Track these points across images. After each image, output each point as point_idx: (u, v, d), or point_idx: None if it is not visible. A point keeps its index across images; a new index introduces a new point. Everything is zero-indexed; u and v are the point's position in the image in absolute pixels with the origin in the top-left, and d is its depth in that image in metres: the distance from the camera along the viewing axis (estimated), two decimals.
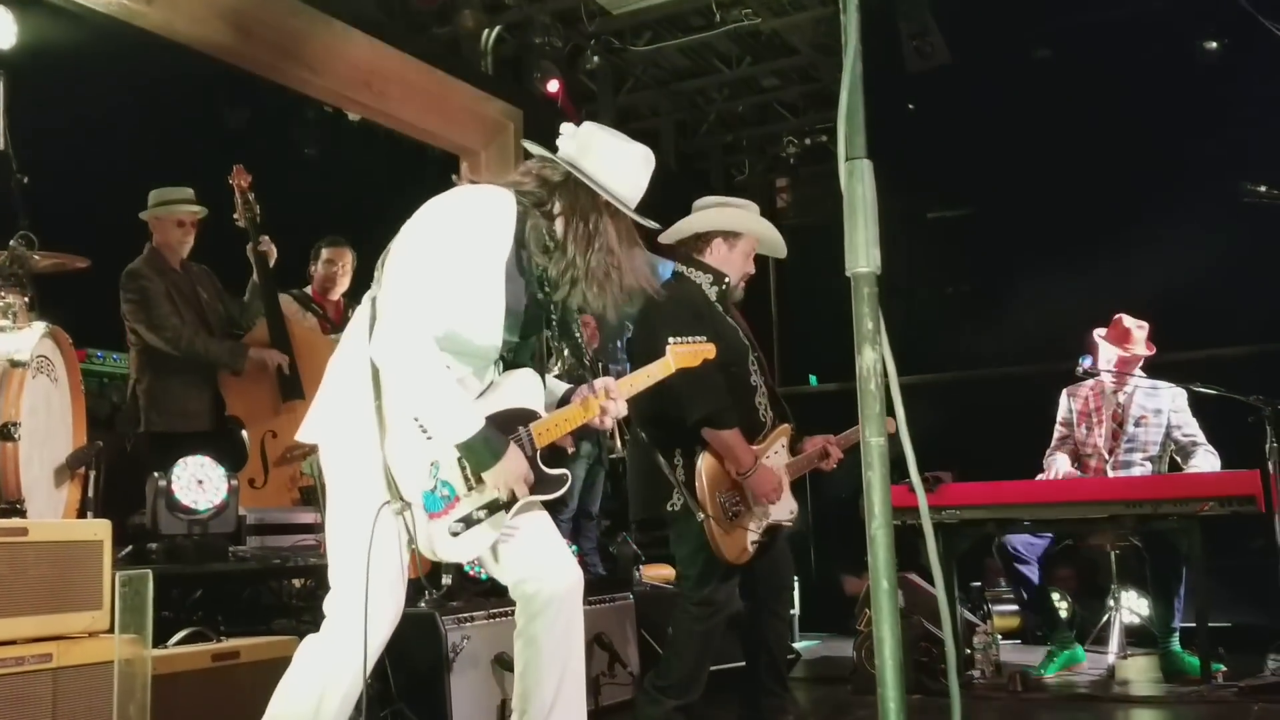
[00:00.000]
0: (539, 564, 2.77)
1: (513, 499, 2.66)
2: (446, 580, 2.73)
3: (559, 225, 2.70)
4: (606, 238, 2.71)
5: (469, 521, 2.63)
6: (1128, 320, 5.70)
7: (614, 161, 2.75)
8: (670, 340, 3.16)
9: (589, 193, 2.72)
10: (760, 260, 4.41)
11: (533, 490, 2.70)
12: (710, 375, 3.87)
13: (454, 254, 2.58)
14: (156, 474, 3.73)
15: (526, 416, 2.77)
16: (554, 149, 2.80)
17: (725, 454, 3.95)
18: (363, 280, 5.62)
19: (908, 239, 7.90)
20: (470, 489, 2.64)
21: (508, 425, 2.70)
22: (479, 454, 2.59)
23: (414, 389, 2.53)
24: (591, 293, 2.71)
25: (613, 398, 2.86)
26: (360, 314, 2.72)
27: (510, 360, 2.84)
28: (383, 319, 2.55)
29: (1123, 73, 7.32)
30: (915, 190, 7.65)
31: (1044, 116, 7.53)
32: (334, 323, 5.69)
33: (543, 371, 2.91)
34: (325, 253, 5.82)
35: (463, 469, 2.63)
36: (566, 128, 2.81)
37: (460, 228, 2.60)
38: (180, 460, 3.79)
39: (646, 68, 8.39)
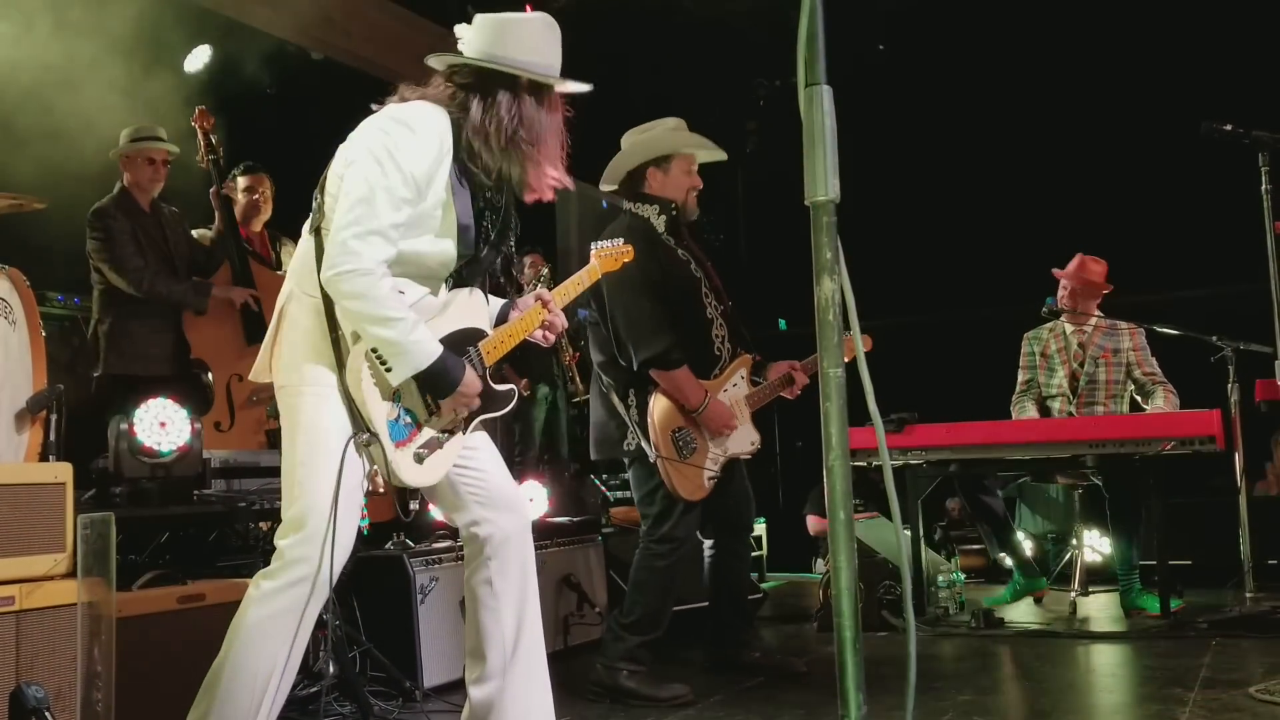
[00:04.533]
0: (491, 504, 2.79)
1: (470, 418, 2.73)
2: (414, 505, 2.74)
3: (480, 121, 2.66)
4: (533, 121, 2.69)
5: (432, 445, 2.66)
6: (1086, 257, 5.76)
7: (518, 39, 2.69)
8: (592, 247, 3.23)
9: (505, 79, 2.69)
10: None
11: (483, 408, 2.76)
12: (652, 316, 3.91)
13: (398, 174, 2.53)
14: (118, 416, 3.69)
15: (475, 335, 2.80)
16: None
17: (675, 393, 3.97)
18: (288, 210, 5.57)
19: (874, 180, 7.89)
20: (431, 414, 2.66)
21: (458, 346, 2.72)
22: (438, 383, 2.60)
23: (369, 321, 2.50)
24: (524, 180, 2.72)
25: (550, 309, 2.92)
26: (304, 246, 2.69)
27: (458, 277, 2.82)
28: (332, 249, 2.51)
29: (1085, 8, 7.29)
30: (882, 130, 7.62)
31: (1007, 56, 7.49)
32: (262, 257, 5.61)
33: (502, 289, 2.91)
34: (243, 181, 5.64)
35: (423, 395, 2.64)
36: (460, 29, 2.74)
37: (400, 147, 2.54)
38: (143, 403, 3.75)
39: (615, 7, 8.26)
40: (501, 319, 2.92)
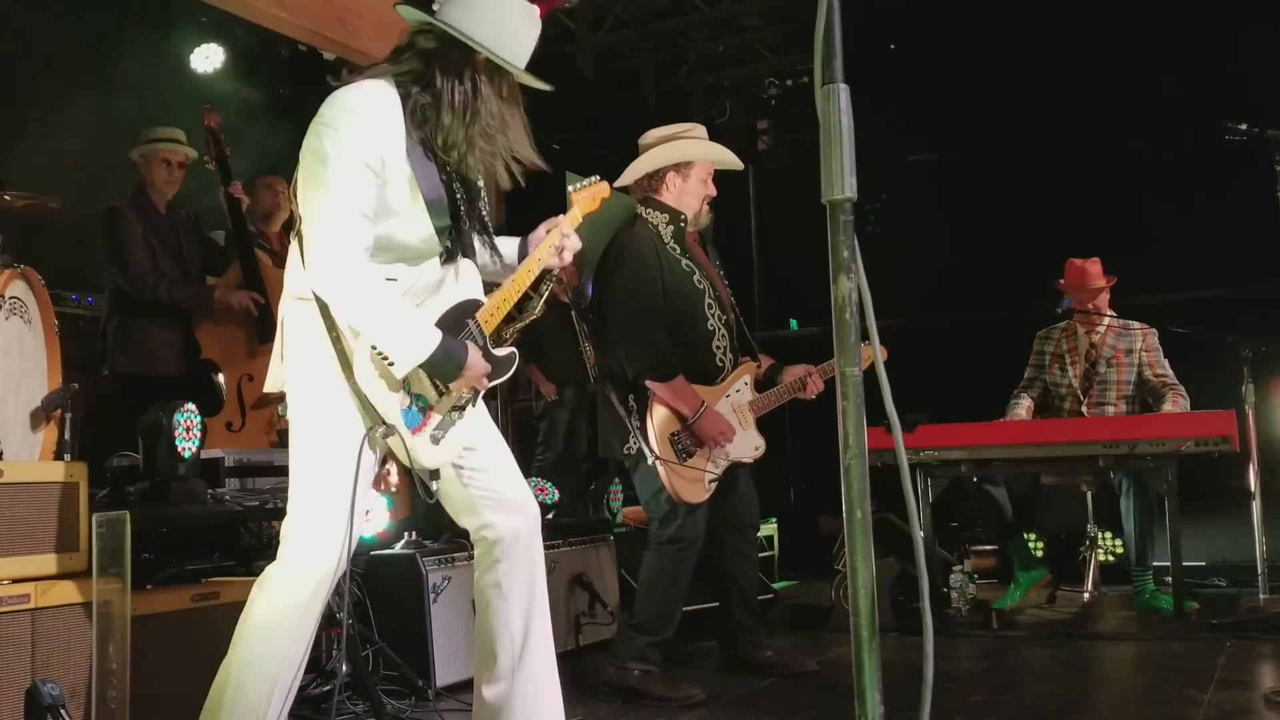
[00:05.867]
0: (500, 506, 2.78)
1: (476, 394, 2.72)
2: (436, 486, 2.72)
3: (436, 95, 2.59)
4: (483, 98, 2.61)
5: (446, 425, 2.67)
6: (1078, 261, 5.74)
7: (489, 16, 2.60)
8: (570, 188, 3.13)
9: (464, 51, 2.61)
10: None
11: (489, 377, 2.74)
12: (645, 329, 3.94)
13: (351, 161, 2.47)
14: (161, 412, 3.68)
15: (472, 307, 2.76)
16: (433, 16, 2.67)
17: (670, 401, 3.98)
18: None
19: (889, 181, 7.90)
20: (440, 395, 2.65)
21: (457, 322, 2.69)
22: (443, 367, 2.58)
23: (363, 320, 2.49)
24: (474, 157, 2.64)
25: (562, 230, 2.87)
26: (292, 252, 2.66)
27: (450, 252, 2.76)
28: (310, 250, 2.48)
29: (1100, 10, 7.27)
30: (896, 132, 7.61)
31: (1021, 58, 7.48)
32: (279, 255, 5.62)
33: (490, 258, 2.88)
34: (263, 179, 5.66)
35: (431, 380, 2.62)
36: None
37: (346, 133, 2.48)
38: (180, 406, 3.74)
39: (626, 6, 8.28)
40: (522, 254, 2.88)
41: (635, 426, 4.00)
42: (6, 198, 3.88)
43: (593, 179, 3.17)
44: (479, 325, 2.76)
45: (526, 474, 2.99)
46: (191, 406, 3.71)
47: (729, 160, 4.30)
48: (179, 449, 3.66)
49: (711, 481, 4.05)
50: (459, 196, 2.70)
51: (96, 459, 3.62)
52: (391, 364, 2.53)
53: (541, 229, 2.92)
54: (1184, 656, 4.37)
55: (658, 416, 3.98)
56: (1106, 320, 5.69)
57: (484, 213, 2.81)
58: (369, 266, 2.51)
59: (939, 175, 7.92)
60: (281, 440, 4.96)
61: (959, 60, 7.65)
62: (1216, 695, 3.64)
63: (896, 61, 7.86)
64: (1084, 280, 5.69)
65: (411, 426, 2.59)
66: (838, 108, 1.66)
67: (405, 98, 2.59)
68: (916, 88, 7.71)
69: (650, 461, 3.95)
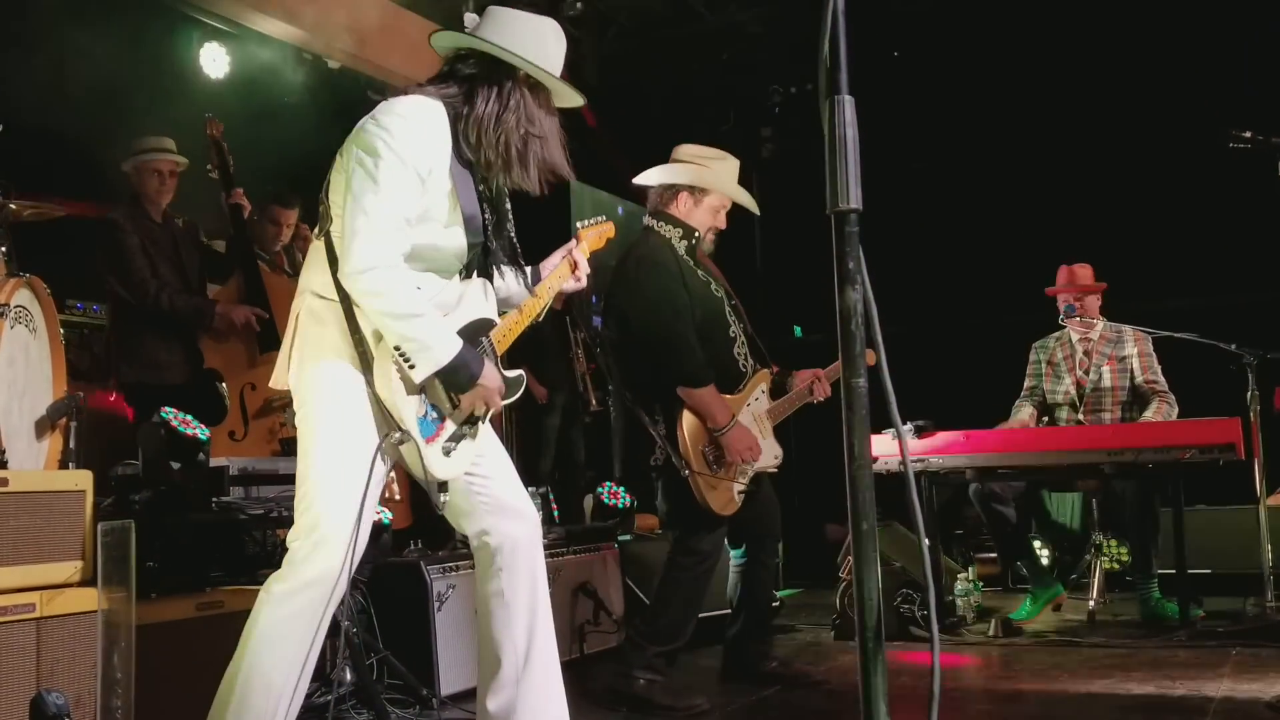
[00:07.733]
0: (500, 512, 2.79)
1: (487, 410, 2.75)
2: (445, 498, 2.73)
3: (483, 110, 2.67)
4: (525, 110, 2.71)
5: (458, 438, 2.69)
6: (1067, 266, 5.75)
7: (529, 34, 2.72)
8: (578, 225, 3.21)
9: (506, 69, 2.70)
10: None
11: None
12: (680, 336, 3.94)
13: (400, 167, 2.53)
14: (157, 418, 3.68)
15: (486, 326, 2.82)
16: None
17: (702, 411, 3.98)
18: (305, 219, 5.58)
19: (889, 189, 7.87)
20: (454, 407, 2.68)
21: (473, 338, 2.73)
22: (459, 377, 2.61)
23: (391, 318, 2.51)
24: (517, 171, 2.72)
25: (574, 255, 3.04)
26: (316, 251, 2.69)
27: (473, 269, 2.83)
28: (347, 251, 2.50)
29: (1099, 17, 7.27)
30: (897, 139, 7.60)
31: (1025, 60, 7.47)
32: (279, 265, 5.61)
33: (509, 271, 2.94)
34: (272, 209, 5.60)
35: (445, 389, 2.65)
36: (469, 18, 2.76)
37: (397, 139, 2.54)
38: (165, 409, 3.74)
39: (630, 14, 8.28)
40: (535, 280, 2.98)
41: (662, 436, 3.99)
42: (12, 205, 3.89)
43: (599, 218, 3.28)
44: (492, 345, 2.81)
45: (528, 484, 3.00)
46: (186, 415, 3.71)
47: (745, 200, 4.29)
48: (189, 435, 3.67)
49: (740, 493, 4.06)
50: (488, 217, 2.77)
51: (103, 468, 3.63)
52: (412, 366, 2.55)
53: (556, 255, 3.02)
54: (1189, 664, 4.36)
55: (688, 428, 3.98)
56: (1099, 327, 5.70)
57: (512, 236, 2.88)
58: (403, 268, 2.55)
59: (941, 180, 7.91)
60: (284, 449, 4.97)
61: (961, 66, 7.65)
62: (1222, 703, 3.63)
63: (898, 68, 7.85)
64: (1073, 279, 5.70)
65: (425, 436, 2.61)
66: (843, 119, 1.66)
67: (452, 114, 2.66)
68: (918, 94, 7.71)
69: (684, 474, 3.95)
